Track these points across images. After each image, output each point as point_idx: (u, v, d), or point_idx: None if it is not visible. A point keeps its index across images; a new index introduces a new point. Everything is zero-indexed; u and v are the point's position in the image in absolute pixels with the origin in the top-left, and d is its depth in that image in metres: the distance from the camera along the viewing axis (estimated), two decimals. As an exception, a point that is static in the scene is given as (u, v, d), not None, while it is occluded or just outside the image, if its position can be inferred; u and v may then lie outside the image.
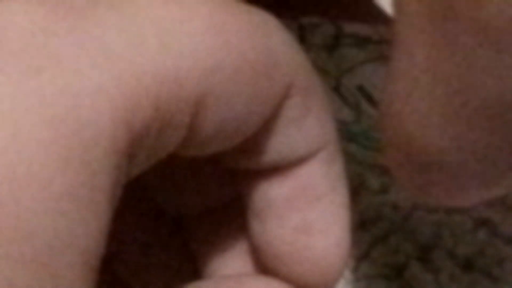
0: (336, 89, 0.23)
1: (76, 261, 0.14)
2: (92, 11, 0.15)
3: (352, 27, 0.22)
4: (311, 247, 0.19)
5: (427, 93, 0.15)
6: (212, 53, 0.16)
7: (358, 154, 0.27)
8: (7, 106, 0.14)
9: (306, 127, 0.18)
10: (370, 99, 0.23)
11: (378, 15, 0.23)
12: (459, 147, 0.15)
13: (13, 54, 0.14)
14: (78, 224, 0.14)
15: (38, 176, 0.14)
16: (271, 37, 0.17)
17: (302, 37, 0.23)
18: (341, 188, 0.19)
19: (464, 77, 0.14)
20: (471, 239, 0.29)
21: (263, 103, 0.17)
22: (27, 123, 0.14)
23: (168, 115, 0.16)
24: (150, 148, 0.16)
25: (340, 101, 0.24)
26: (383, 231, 0.29)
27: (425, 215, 0.29)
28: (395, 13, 0.15)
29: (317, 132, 0.19)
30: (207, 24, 0.16)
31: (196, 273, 0.21)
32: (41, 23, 0.15)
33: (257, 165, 0.19)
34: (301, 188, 0.19)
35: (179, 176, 0.21)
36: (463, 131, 0.15)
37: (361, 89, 0.23)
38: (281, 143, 0.18)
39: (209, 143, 0.17)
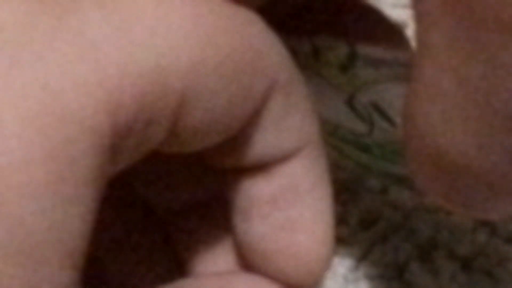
0: (349, 102, 0.23)
1: (60, 256, 0.14)
2: (75, 6, 0.15)
3: (365, 49, 0.22)
4: (295, 244, 0.19)
5: (450, 96, 0.15)
6: (195, 49, 0.16)
7: (371, 164, 0.27)
8: None
9: (289, 125, 0.18)
10: (383, 114, 0.23)
11: (392, 35, 0.23)
12: (484, 151, 0.15)
13: None
14: (62, 219, 0.14)
15: (20, 170, 0.14)
16: (254, 35, 0.17)
17: (316, 55, 0.23)
18: (324, 186, 0.19)
19: (488, 79, 0.14)
20: (471, 239, 0.28)
21: (246, 100, 0.17)
22: (8, 117, 0.14)
23: (152, 110, 0.16)
24: (134, 143, 0.16)
25: (352, 114, 0.24)
26: (383, 231, 0.29)
27: (425, 215, 0.29)
28: (416, 17, 0.15)
29: (300, 130, 0.19)
30: (190, 20, 0.16)
31: (181, 270, 0.21)
32: (25, 18, 0.15)
33: (240, 163, 0.19)
34: (285, 186, 0.19)
35: (164, 171, 0.21)
36: (487, 133, 0.15)
37: (374, 105, 0.23)
38: (264, 141, 0.18)
39: (193, 140, 0.17)
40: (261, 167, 0.19)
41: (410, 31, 0.26)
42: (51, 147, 0.14)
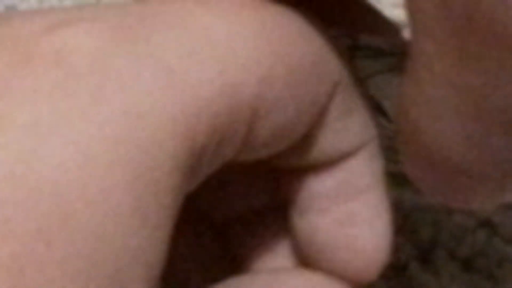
0: None
1: (143, 276, 0.15)
2: (148, 30, 0.16)
3: (366, 39, 0.22)
4: (355, 238, 0.19)
5: (445, 103, 0.15)
6: (265, 63, 0.16)
7: None
8: (76, 129, 0.14)
9: (350, 124, 0.19)
10: (379, 109, 0.23)
11: (390, 31, 0.23)
12: (478, 154, 0.15)
13: (79, 77, 0.15)
14: (145, 241, 0.15)
15: (108, 196, 0.14)
16: (315, 37, 0.18)
17: None
18: (382, 184, 0.20)
19: (483, 88, 0.14)
20: (472, 240, 0.28)
21: (313, 104, 0.17)
22: (95, 145, 0.14)
23: (226, 128, 0.16)
24: (208, 161, 0.16)
25: None
26: (383, 232, 0.29)
27: (425, 215, 0.29)
28: (410, 23, 0.15)
29: (360, 129, 0.19)
30: (258, 35, 0.16)
31: (238, 270, 0.21)
32: (104, 45, 0.15)
33: (303, 162, 0.19)
34: (345, 181, 0.19)
35: (222, 177, 0.21)
36: (483, 138, 0.15)
37: (371, 99, 0.23)
38: (327, 140, 0.19)
39: (262, 149, 0.17)
40: (322, 164, 0.19)
41: (408, 32, 0.25)
42: (134, 173, 0.14)
